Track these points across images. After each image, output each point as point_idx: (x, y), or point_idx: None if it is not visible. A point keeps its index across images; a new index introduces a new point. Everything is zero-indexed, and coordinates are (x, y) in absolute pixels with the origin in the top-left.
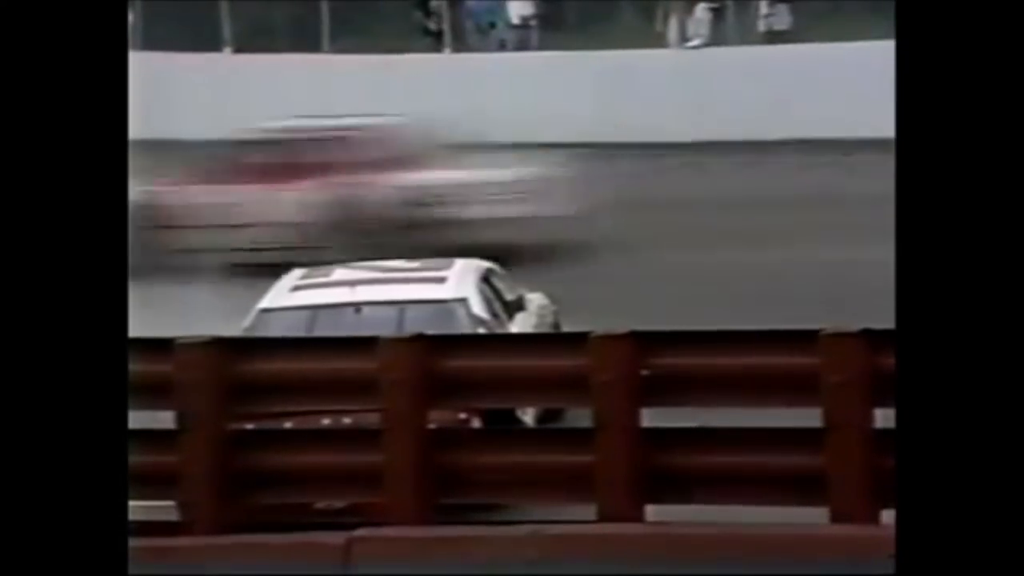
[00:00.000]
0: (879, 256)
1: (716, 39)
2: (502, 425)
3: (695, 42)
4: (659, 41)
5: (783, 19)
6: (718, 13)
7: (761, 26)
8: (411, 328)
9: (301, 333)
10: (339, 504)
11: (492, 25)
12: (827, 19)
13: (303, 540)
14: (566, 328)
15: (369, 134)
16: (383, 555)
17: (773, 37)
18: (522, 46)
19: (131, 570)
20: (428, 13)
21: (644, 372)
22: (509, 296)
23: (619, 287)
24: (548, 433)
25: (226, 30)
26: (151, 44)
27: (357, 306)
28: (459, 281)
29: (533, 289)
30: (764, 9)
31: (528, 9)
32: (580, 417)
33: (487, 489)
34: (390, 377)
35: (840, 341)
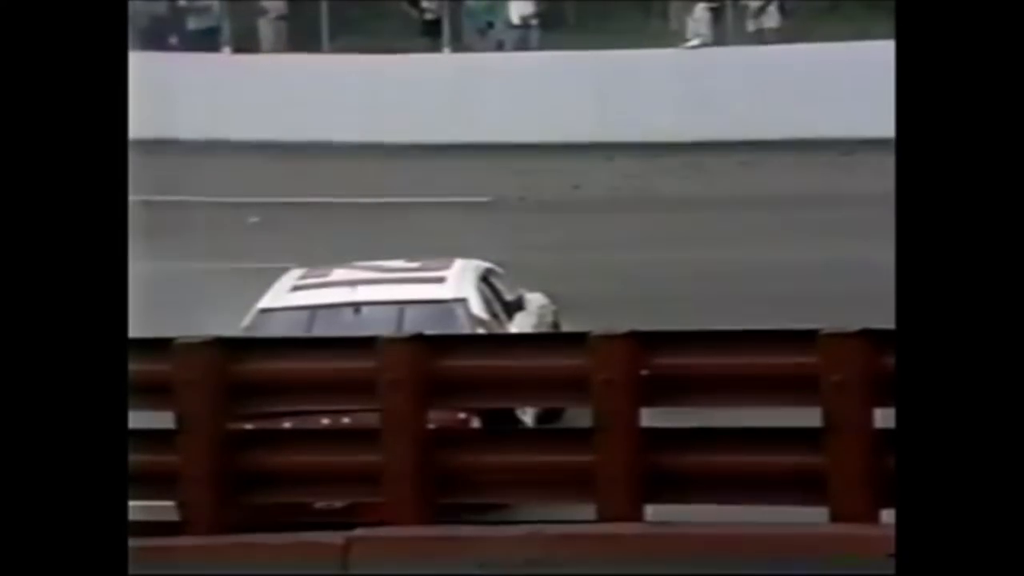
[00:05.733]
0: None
1: (715, 39)
2: (502, 425)
3: (694, 42)
4: (659, 41)
5: (772, 17)
6: (717, 13)
7: (751, 25)
8: (410, 328)
9: (300, 333)
10: (339, 504)
11: (491, 25)
12: (826, 19)
13: (302, 540)
14: (566, 328)
15: None
16: (382, 555)
17: (765, 35)
18: (521, 46)
19: (131, 570)
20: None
21: (644, 372)
22: (508, 296)
23: None
24: (548, 433)
25: (226, 30)
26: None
27: (356, 306)
28: (458, 281)
29: None
30: (753, 8)
31: (528, 9)
32: (580, 417)
33: (487, 489)
34: (389, 377)
35: (840, 341)
